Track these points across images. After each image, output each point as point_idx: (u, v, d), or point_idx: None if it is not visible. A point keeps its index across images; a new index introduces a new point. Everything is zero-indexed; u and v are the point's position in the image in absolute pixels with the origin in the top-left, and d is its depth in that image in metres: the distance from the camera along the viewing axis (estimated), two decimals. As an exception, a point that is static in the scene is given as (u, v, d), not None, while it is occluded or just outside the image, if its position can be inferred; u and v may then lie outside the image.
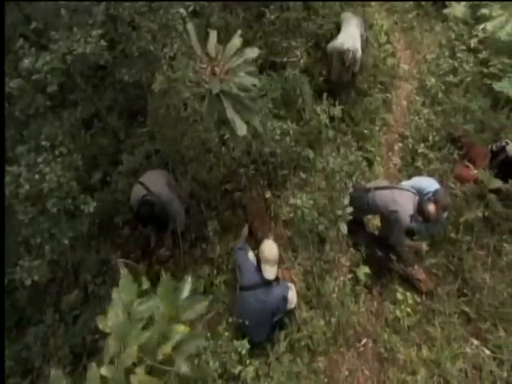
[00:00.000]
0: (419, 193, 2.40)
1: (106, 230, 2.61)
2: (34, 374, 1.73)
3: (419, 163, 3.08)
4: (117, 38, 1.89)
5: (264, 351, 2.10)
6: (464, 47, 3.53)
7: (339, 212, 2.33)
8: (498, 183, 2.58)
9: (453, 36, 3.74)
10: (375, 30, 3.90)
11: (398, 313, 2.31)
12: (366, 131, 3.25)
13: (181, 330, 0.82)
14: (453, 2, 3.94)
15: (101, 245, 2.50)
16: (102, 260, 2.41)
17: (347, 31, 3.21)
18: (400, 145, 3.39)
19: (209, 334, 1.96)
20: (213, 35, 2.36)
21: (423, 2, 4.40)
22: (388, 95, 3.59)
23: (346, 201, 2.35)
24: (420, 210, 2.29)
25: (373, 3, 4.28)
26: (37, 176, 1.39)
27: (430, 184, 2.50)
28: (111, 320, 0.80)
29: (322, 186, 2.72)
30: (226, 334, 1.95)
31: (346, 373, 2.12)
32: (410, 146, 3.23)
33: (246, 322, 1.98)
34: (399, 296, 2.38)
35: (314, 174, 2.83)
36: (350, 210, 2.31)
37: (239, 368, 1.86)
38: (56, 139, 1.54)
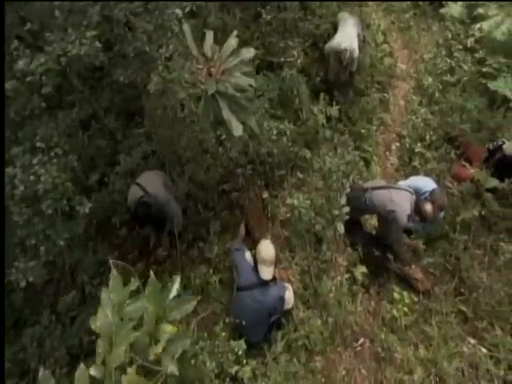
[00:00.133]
0: (416, 192, 2.40)
1: (103, 230, 2.61)
2: (30, 376, 1.73)
3: (416, 163, 3.08)
4: (112, 38, 1.89)
5: (261, 351, 2.10)
6: (461, 47, 3.54)
7: (336, 212, 2.33)
8: (494, 182, 2.59)
9: (449, 35, 3.75)
10: (372, 30, 3.91)
11: (395, 312, 2.31)
12: (363, 131, 3.25)
13: (168, 329, 0.82)
14: (449, 2, 3.95)
15: (98, 245, 2.50)
16: (99, 261, 2.41)
17: (344, 31, 3.21)
18: (397, 144, 3.39)
19: (206, 334, 1.96)
20: (209, 36, 2.36)
21: (420, 2, 4.41)
22: (385, 95, 3.59)
23: (343, 200, 2.36)
24: (417, 209, 2.29)
25: (370, 3, 4.28)
26: (32, 177, 1.39)
27: (426, 184, 2.51)
28: (100, 320, 0.81)
29: (319, 185, 2.72)
30: (223, 334, 1.95)
31: (343, 372, 2.13)
32: (407, 145, 3.24)
33: (243, 323, 1.98)
34: (396, 295, 2.38)
35: (311, 173, 2.84)
36: (346, 209, 2.31)
37: (236, 368, 1.86)
38: (51, 140, 1.55)
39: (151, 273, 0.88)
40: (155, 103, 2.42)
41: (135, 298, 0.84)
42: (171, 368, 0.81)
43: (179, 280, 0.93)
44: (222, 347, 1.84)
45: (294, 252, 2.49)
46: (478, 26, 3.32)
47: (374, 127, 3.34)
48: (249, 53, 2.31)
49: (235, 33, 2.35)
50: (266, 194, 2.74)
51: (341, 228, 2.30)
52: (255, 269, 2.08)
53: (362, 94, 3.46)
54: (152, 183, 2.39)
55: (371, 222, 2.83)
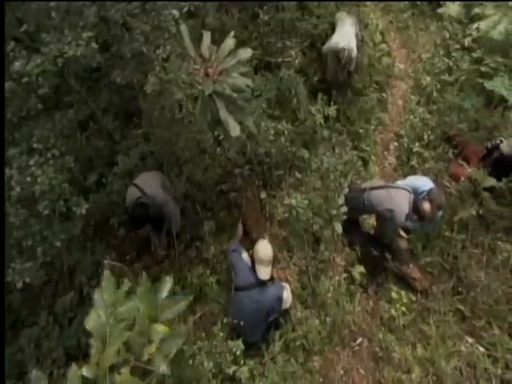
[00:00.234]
0: (414, 192, 2.41)
1: (101, 231, 2.61)
2: (28, 377, 1.73)
3: (414, 162, 3.09)
4: (109, 39, 1.89)
5: (259, 351, 2.10)
6: (458, 46, 3.54)
7: (334, 212, 2.33)
8: (491, 181, 2.59)
9: (447, 35, 3.75)
10: (370, 30, 3.91)
11: (393, 312, 2.32)
12: (361, 131, 3.26)
13: (160, 329, 0.83)
14: (447, 2, 3.95)
15: (96, 246, 2.50)
16: (98, 262, 2.41)
17: (342, 30, 3.21)
18: (395, 144, 3.39)
19: (203, 335, 1.96)
20: (206, 36, 2.36)
21: (418, 2, 4.41)
22: (383, 94, 3.60)
23: (341, 200, 2.36)
24: (415, 208, 2.30)
25: (368, 3, 4.28)
26: (28, 178, 1.39)
27: (424, 183, 2.51)
28: (92, 321, 0.81)
29: (317, 185, 2.73)
30: (221, 334, 1.95)
31: (342, 372, 2.13)
32: (405, 145, 3.24)
33: (241, 323, 1.98)
34: (394, 295, 2.39)
35: (309, 173, 2.84)
36: (344, 209, 2.32)
37: (234, 368, 1.86)
38: (48, 142, 1.55)
39: (143, 273, 0.89)
40: (153, 104, 2.43)
41: (127, 298, 0.85)
42: (163, 368, 0.81)
43: (171, 280, 0.93)
44: (219, 347, 1.85)
45: (292, 252, 2.50)
46: (475, 25, 3.32)
47: (372, 127, 3.34)
48: (246, 53, 2.31)
49: (232, 33, 2.35)
50: (263, 194, 2.74)
51: (339, 228, 2.30)
52: (253, 269, 2.09)
53: (360, 94, 3.47)
54: (150, 184, 2.39)
55: (369, 221, 2.84)
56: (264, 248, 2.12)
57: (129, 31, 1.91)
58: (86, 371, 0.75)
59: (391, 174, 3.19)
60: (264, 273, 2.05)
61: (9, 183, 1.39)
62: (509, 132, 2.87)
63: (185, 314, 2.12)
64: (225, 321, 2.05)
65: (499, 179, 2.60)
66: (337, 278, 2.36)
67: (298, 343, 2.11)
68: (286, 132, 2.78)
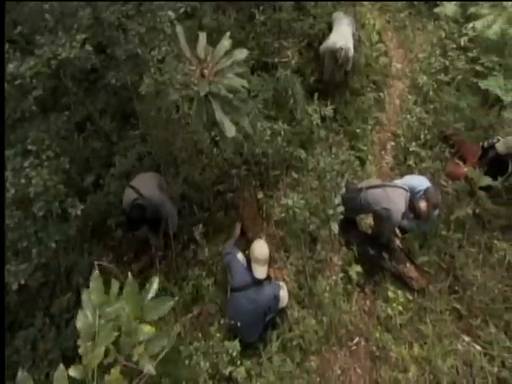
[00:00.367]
0: (411, 191, 2.41)
1: (98, 232, 2.61)
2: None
3: (411, 162, 3.09)
4: (104, 41, 1.89)
5: (256, 351, 2.11)
6: (455, 45, 3.55)
7: (331, 211, 2.34)
8: (487, 180, 2.60)
9: (444, 35, 3.76)
10: (367, 30, 3.92)
11: (389, 311, 2.32)
12: (358, 130, 3.26)
13: (146, 330, 0.83)
14: (444, 1, 3.96)
15: (93, 247, 2.50)
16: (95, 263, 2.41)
17: (339, 30, 3.22)
18: (392, 143, 3.40)
19: (200, 335, 1.96)
20: (202, 37, 2.37)
21: (415, 2, 4.42)
22: (381, 94, 3.60)
23: (338, 200, 2.37)
24: (411, 207, 2.31)
25: (365, 2, 4.29)
26: (23, 180, 1.40)
27: (421, 182, 2.51)
28: (80, 321, 0.82)
29: (314, 185, 2.73)
30: (218, 335, 1.96)
31: (339, 372, 2.13)
32: (402, 144, 3.25)
33: (239, 324, 1.98)
34: (391, 294, 2.39)
35: (306, 173, 2.85)
36: (341, 209, 2.32)
37: (230, 368, 1.87)
38: (43, 143, 1.55)
39: (129, 274, 0.89)
40: (149, 105, 2.43)
41: (115, 298, 0.86)
42: (148, 368, 0.82)
43: (157, 281, 0.94)
44: (216, 348, 1.85)
45: (289, 252, 2.50)
46: (471, 25, 3.33)
47: (370, 127, 3.35)
48: (241, 54, 2.32)
49: (228, 34, 2.36)
50: (260, 195, 2.74)
51: (335, 228, 2.31)
52: (249, 268, 2.09)
53: (357, 94, 3.47)
54: (146, 185, 2.39)
55: (366, 221, 2.84)
56: (260, 247, 2.12)
57: (124, 33, 1.91)
58: (73, 372, 0.76)
59: (388, 173, 3.20)
60: (260, 272, 2.06)
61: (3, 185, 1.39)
62: (505, 131, 2.88)
63: (182, 314, 2.13)
64: (222, 321, 2.05)
65: (495, 178, 2.61)
66: (334, 277, 2.37)
67: (294, 343, 2.11)
68: (282, 132, 2.78)
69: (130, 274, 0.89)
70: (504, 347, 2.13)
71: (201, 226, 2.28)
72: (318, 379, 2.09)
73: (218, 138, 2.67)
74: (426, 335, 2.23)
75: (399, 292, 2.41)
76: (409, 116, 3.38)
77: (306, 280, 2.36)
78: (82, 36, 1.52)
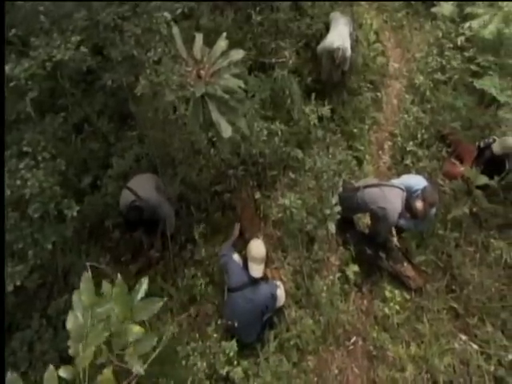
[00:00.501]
0: (408, 190, 2.42)
1: (96, 233, 2.61)
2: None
3: (408, 161, 3.10)
4: (100, 43, 1.89)
5: (254, 351, 2.11)
6: (451, 45, 3.56)
7: (328, 211, 2.34)
8: (484, 179, 2.61)
9: (440, 34, 3.77)
10: (365, 29, 3.93)
11: (387, 310, 2.33)
12: (355, 130, 3.27)
13: (135, 330, 0.84)
14: (441, 1, 3.97)
15: (91, 248, 2.51)
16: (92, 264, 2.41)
17: (336, 30, 3.23)
18: (390, 143, 3.41)
19: (197, 336, 1.97)
20: (198, 38, 2.37)
21: (413, 1, 4.43)
22: (378, 94, 3.61)
23: (335, 200, 2.37)
24: (408, 206, 2.31)
25: (362, 2, 4.30)
26: (18, 182, 1.40)
27: (418, 182, 2.52)
28: (71, 322, 0.82)
29: (311, 185, 2.74)
30: (215, 335, 1.96)
31: (336, 371, 2.14)
32: (400, 144, 3.26)
33: (236, 324, 1.99)
34: (388, 294, 2.40)
35: (304, 173, 2.85)
36: (338, 208, 2.33)
37: (227, 369, 1.87)
38: (39, 145, 1.55)
39: (118, 275, 0.90)
40: (146, 106, 2.44)
41: (105, 299, 0.86)
42: (137, 368, 0.82)
43: (147, 281, 0.95)
44: (213, 348, 1.85)
45: (287, 252, 2.51)
46: (467, 24, 3.34)
47: (367, 126, 3.36)
48: (238, 54, 2.32)
49: (224, 35, 2.36)
50: (258, 195, 2.75)
51: (332, 228, 2.31)
52: (245, 269, 2.10)
53: (355, 94, 3.48)
54: (143, 187, 2.39)
55: (364, 220, 2.85)
56: (257, 247, 2.13)
57: (120, 34, 1.91)
58: (63, 372, 0.76)
59: (386, 173, 3.21)
60: (256, 270, 2.06)
61: (-1, 187, 1.39)
62: (501, 130, 2.89)
63: (179, 314, 2.14)
64: (219, 322, 2.06)
65: (492, 177, 2.62)
66: (331, 277, 2.37)
67: (292, 343, 2.12)
68: (280, 132, 2.79)
69: (119, 274, 0.89)
70: (501, 346, 2.14)
71: (201, 225, 2.27)
72: (316, 379, 2.10)
73: (215, 139, 2.67)
74: (423, 334, 2.24)
75: (396, 291, 2.42)
76: (406, 115, 3.39)
77: (304, 280, 2.37)
78: (76, 38, 1.53)
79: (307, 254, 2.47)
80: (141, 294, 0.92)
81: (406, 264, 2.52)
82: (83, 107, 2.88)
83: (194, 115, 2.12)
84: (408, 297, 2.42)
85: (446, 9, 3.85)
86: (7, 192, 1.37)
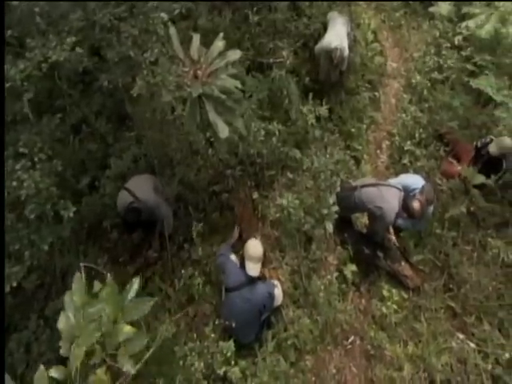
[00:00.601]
0: (405, 190, 2.43)
1: (94, 234, 2.61)
2: (17, 381, 1.74)
3: (406, 160, 3.11)
4: (96, 44, 1.90)
5: (251, 351, 2.12)
6: (449, 44, 3.57)
7: (325, 211, 2.35)
8: (481, 179, 2.61)
9: (438, 34, 3.77)
10: (363, 29, 3.93)
11: (384, 310, 2.33)
12: (353, 130, 3.27)
13: (126, 330, 0.84)
14: (439, 1, 3.97)
15: (89, 249, 2.51)
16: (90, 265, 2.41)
17: (334, 30, 3.23)
18: (387, 142, 3.41)
19: (195, 336, 1.97)
20: (196, 38, 2.38)
21: (411, 1, 4.43)
22: (376, 93, 3.61)
23: (332, 199, 2.38)
24: (405, 206, 2.32)
25: (360, 2, 4.30)
26: (15, 183, 1.40)
27: (416, 181, 2.53)
28: (62, 323, 0.83)
29: (308, 185, 2.74)
30: (213, 335, 1.96)
31: (334, 371, 2.14)
32: (398, 143, 3.26)
33: (234, 324, 1.99)
34: (386, 293, 2.40)
35: (301, 173, 2.85)
36: (335, 208, 2.33)
37: (225, 368, 1.87)
38: (35, 146, 1.55)
39: (108, 275, 0.90)
40: (144, 107, 2.44)
41: (97, 299, 0.87)
42: (127, 367, 0.83)
43: (138, 282, 0.95)
44: (211, 348, 1.86)
45: (285, 252, 2.51)
46: (464, 24, 3.34)
47: (365, 126, 3.36)
48: (235, 54, 2.32)
49: (221, 35, 2.37)
50: (256, 195, 2.75)
51: (330, 227, 2.32)
52: (242, 268, 2.10)
53: (353, 93, 3.48)
54: (141, 188, 2.39)
55: (362, 220, 2.85)
56: (254, 246, 2.13)
57: (117, 35, 1.91)
58: (54, 372, 0.76)
59: (383, 172, 3.21)
60: (253, 269, 2.06)
61: (-5, 188, 1.39)
62: (498, 130, 2.89)
63: (176, 314, 2.14)
64: (216, 322, 2.06)
65: (489, 176, 2.62)
66: (329, 277, 2.38)
67: (289, 342, 2.12)
68: (277, 132, 2.79)
69: (108, 275, 0.90)
70: (498, 344, 2.15)
71: (199, 224, 2.28)
72: (314, 378, 2.10)
73: (212, 139, 2.67)
74: (421, 333, 2.25)
75: (394, 291, 2.42)
76: (404, 115, 3.39)
77: (301, 279, 2.37)
78: (72, 39, 1.53)
79: (305, 253, 2.47)
80: (132, 294, 0.92)
81: (403, 263, 2.53)
82: (81, 108, 2.88)
83: (191, 116, 2.12)
84: (406, 296, 2.43)
85: (444, 8, 3.86)
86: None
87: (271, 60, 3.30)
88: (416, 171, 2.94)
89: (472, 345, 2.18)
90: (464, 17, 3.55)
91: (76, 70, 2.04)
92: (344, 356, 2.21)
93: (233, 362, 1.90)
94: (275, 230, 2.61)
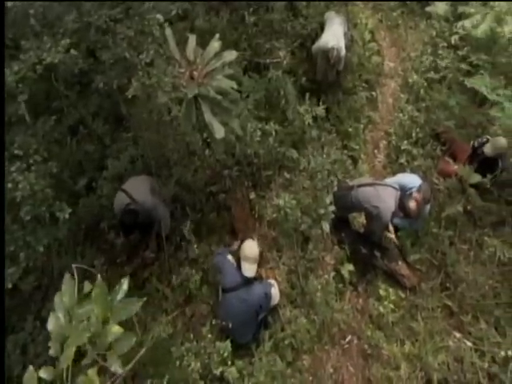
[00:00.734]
0: (402, 189, 2.43)
1: (91, 235, 2.62)
2: (14, 383, 1.74)
3: (403, 160, 3.11)
4: (91, 45, 1.90)
5: (248, 351, 2.12)
6: (445, 44, 3.58)
7: (322, 211, 2.35)
8: (477, 178, 2.62)
9: (435, 33, 3.78)
10: (360, 29, 3.93)
11: (381, 309, 2.34)
12: (350, 129, 3.28)
13: (114, 330, 0.85)
14: (435, 1, 3.98)
15: (86, 250, 2.51)
16: (87, 266, 2.41)
17: (331, 30, 3.23)
18: (385, 142, 3.42)
19: (192, 336, 1.98)
20: (192, 39, 2.38)
21: (408, 1, 4.44)
22: (373, 93, 3.62)
23: (329, 199, 2.38)
24: (401, 205, 2.33)
25: (357, 2, 4.30)
26: (10, 185, 1.41)
27: (412, 180, 2.54)
28: (52, 323, 0.83)
29: (305, 185, 2.74)
30: (210, 335, 1.97)
31: (331, 370, 2.15)
32: (395, 143, 3.27)
33: (231, 325, 1.99)
34: (383, 292, 2.41)
35: (298, 173, 2.86)
36: (332, 208, 2.34)
37: (222, 368, 1.88)
38: (30, 148, 1.56)
39: (98, 276, 0.91)
40: (140, 108, 2.44)
41: (87, 300, 0.87)
42: (115, 367, 0.83)
43: (127, 282, 0.96)
44: (208, 348, 1.86)
45: (281, 252, 2.51)
46: (460, 23, 3.35)
47: (362, 126, 3.37)
48: (231, 55, 2.33)
49: (217, 36, 2.37)
50: (253, 195, 2.75)
51: (326, 227, 2.32)
52: (239, 269, 2.10)
53: (350, 93, 3.49)
54: (138, 189, 2.40)
55: (359, 219, 2.86)
56: (250, 247, 2.14)
57: (112, 36, 1.92)
58: (43, 373, 0.77)
59: (381, 171, 3.22)
60: (249, 270, 2.07)
61: (-10, 190, 1.40)
62: (494, 129, 2.90)
63: (173, 314, 2.14)
64: (213, 322, 2.07)
65: (485, 176, 2.63)
66: (326, 276, 2.38)
67: (287, 342, 2.13)
68: (274, 132, 2.79)
69: (99, 275, 0.90)
70: (494, 343, 2.15)
71: (189, 223, 2.27)
72: (311, 378, 2.11)
73: (209, 140, 2.68)
74: (418, 332, 2.25)
75: (391, 290, 2.43)
76: (401, 114, 3.40)
77: (298, 279, 2.38)
78: (66, 41, 1.53)
79: (302, 253, 2.48)
80: (121, 294, 0.93)
81: (400, 262, 2.54)
82: (78, 109, 2.88)
83: (187, 116, 2.13)
84: (403, 295, 2.44)
85: (441, 8, 3.86)
86: None
87: (268, 60, 3.31)
88: (413, 170, 2.95)
89: (468, 343, 2.19)
90: (460, 16, 3.56)
91: (72, 72, 2.05)
92: (341, 355, 2.21)
93: (230, 362, 1.91)
94: (272, 230, 2.62)
